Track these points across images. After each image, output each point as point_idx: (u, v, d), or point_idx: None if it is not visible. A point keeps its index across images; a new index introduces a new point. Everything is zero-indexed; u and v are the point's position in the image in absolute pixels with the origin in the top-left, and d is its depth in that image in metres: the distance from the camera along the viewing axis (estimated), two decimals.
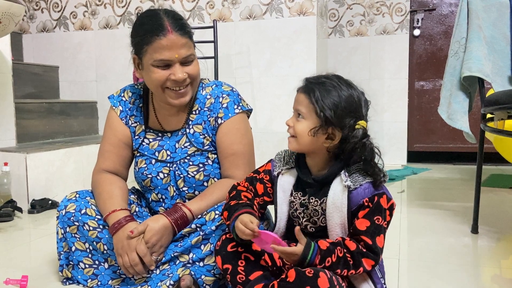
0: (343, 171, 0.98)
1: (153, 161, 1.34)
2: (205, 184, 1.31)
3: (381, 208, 0.95)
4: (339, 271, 0.93)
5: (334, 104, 0.95)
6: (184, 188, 1.31)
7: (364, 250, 0.94)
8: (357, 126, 0.96)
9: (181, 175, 1.30)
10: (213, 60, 2.71)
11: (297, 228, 0.93)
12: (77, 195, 1.30)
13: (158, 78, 1.21)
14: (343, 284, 0.93)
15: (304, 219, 1.04)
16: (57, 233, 1.29)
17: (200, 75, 1.30)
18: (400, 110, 3.53)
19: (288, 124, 1.02)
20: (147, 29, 1.20)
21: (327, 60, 3.47)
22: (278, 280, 0.93)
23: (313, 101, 0.96)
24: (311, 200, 1.02)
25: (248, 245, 1.05)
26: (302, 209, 1.03)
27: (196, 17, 3.15)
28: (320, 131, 0.97)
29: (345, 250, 0.93)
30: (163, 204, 1.35)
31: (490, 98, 1.68)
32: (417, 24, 3.56)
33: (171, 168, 1.32)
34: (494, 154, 2.89)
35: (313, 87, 0.98)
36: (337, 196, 0.97)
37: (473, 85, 1.83)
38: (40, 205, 2.22)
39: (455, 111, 1.83)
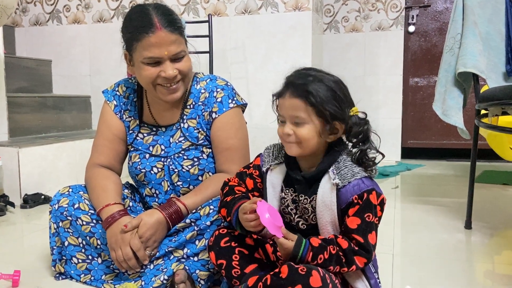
0: (331, 168, 0.97)
1: (147, 155, 1.33)
2: (200, 178, 1.30)
3: (371, 204, 0.94)
4: (331, 268, 0.92)
5: (333, 97, 0.93)
6: (179, 183, 1.30)
7: (356, 248, 0.93)
8: (351, 113, 0.96)
9: (176, 170, 1.29)
10: (208, 55, 2.69)
11: (283, 228, 0.93)
12: (70, 190, 1.29)
13: (149, 76, 1.20)
14: (336, 281, 0.92)
15: (297, 215, 1.03)
16: (50, 228, 1.28)
17: (192, 70, 1.29)
18: (394, 107, 3.53)
19: (287, 133, 0.96)
20: (136, 25, 1.18)
21: (322, 56, 3.47)
22: (271, 273, 0.92)
23: (312, 102, 0.92)
24: (301, 198, 1.01)
25: (241, 240, 1.04)
26: (294, 205, 1.03)
27: (191, 11, 3.13)
28: (327, 129, 0.95)
29: (337, 248, 0.93)
30: (157, 199, 1.34)
31: (484, 94, 1.68)
32: (412, 20, 3.56)
33: (165, 163, 1.31)
34: (487, 151, 2.90)
35: (305, 88, 0.93)
36: (326, 194, 0.96)
37: (468, 81, 1.84)
38: (32, 200, 2.20)
39: (449, 107, 1.84)
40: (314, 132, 0.95)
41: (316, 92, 0.92)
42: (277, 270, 0.92)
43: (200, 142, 1.31)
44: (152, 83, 1.22)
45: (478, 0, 1.79)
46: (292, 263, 0.90)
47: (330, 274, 0.91)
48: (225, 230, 1.06)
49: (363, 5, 3.54)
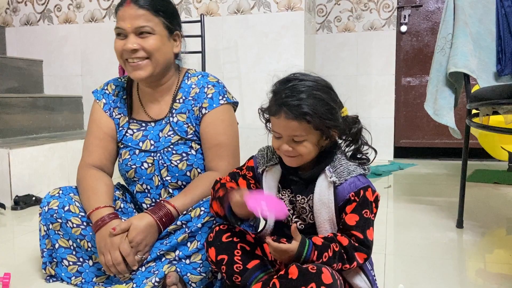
0: (327, 167, 0.98)
1: (137, 151, 1.32)
2: (188, 173, 1.29)
3: (368, 201, 0.96)
4: (334, 265, 0.92)
5: (329, 111, 0.93)
6: (167, 178, 1.29)
7: (356, 245, 0.94)
8: (342, 115, 0.96)
9: (165, 164, 1.29)
10: (200, 54, 2.68)
11: (294, 226, 0.92)
12: (60, 192, 1.28)
13: (116, 48, 1.26)
14: (340, 277, 0.93)
15: (294, 216, 1.03)
16: (40, 230, 1.27)
17: (163, 53, 1.26)
18: (387, 106, 3.55)
19: (287, 151, 0.96)
20: (117, 4, 1.27)
21: (314, 56, 3.47)
22: (276, 276, 0.92)
23: (309, 121, 0.91)
24: (298, 198, 1.01)
25: (243, 236, 1.04)
26: (291, 206, 1.03)
27: (183, 11, 3.12)
28: (324, 138, 0.96)
29: (339, 245, 0.93)
30: (149, 195, 1.33)
31: (475, 93, 1.69)
32: (404, 20, 3.58)
33: (155, 158, 1.30)
34: (478, 150, 2.93)
35: (300, 110, 0.90)
36: (323, 192, 0.97)
37: (459, 81, 1.85)
38: (23, 202, 2.18)
39: (441, 106, 1.85)
40: (313, 145, 0.96)
41: (313, 111, 0.91)
42: (282, 272, 0.91)
43: (189, 136, 1.30)
44: (121, 57, 1.26)
45: (469, 0, 1.80)
46: (298, 264, 0.89)
47: (335, 271, 0.92)
48: (226, 226, 1.04)
49: (356, 5, 3.54)
